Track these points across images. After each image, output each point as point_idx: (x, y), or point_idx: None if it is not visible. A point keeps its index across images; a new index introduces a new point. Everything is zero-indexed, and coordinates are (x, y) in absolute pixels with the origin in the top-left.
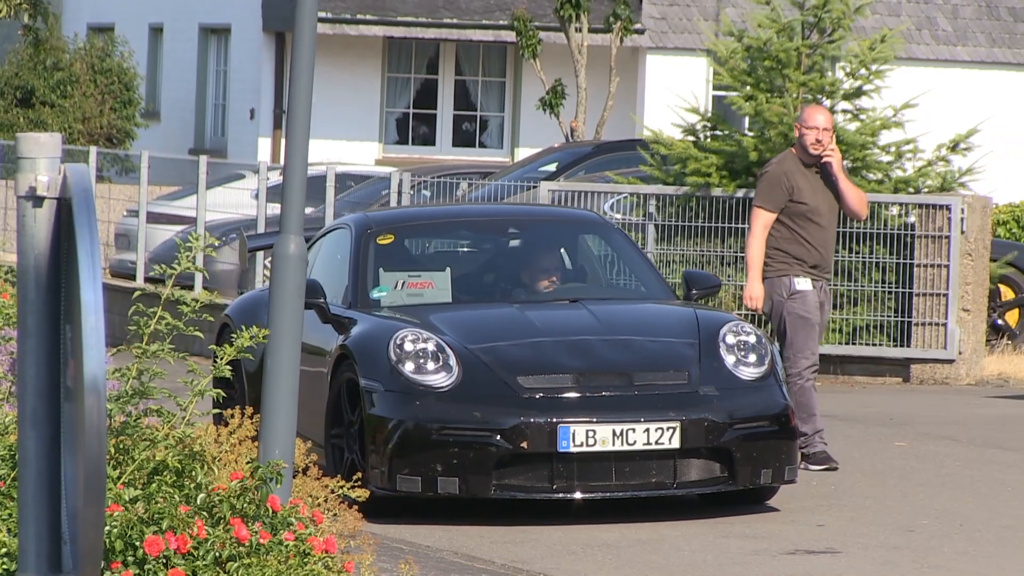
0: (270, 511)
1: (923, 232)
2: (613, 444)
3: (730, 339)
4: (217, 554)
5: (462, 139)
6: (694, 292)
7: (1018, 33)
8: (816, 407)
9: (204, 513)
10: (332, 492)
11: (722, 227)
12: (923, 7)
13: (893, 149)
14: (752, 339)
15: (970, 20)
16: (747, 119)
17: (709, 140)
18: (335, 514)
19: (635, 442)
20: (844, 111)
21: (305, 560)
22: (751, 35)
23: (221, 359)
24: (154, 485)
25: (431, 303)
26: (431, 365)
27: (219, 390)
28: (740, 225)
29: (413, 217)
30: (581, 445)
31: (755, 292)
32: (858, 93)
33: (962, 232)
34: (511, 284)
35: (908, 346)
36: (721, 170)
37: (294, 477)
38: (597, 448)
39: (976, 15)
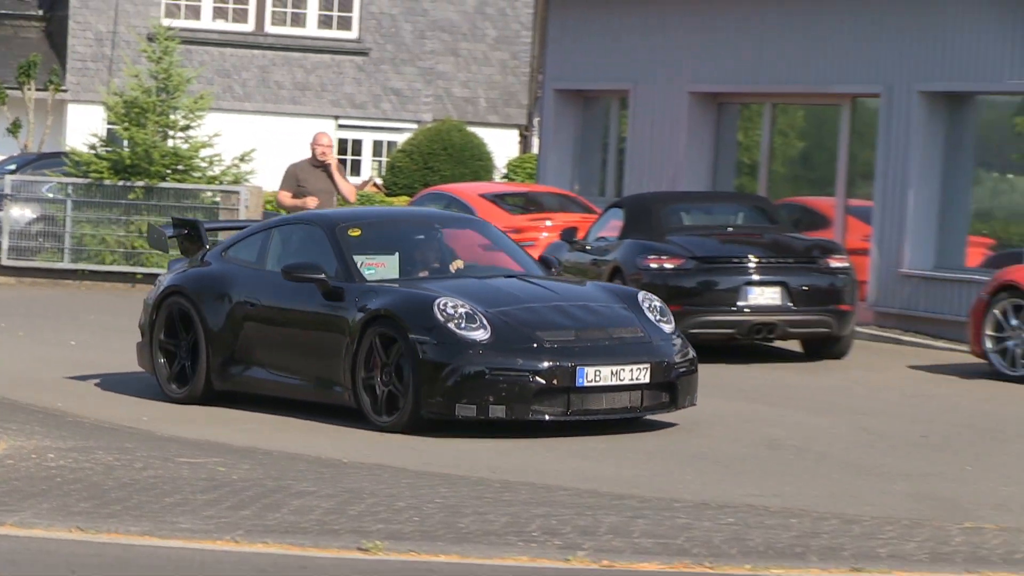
0: None
1: (225, 206)
2: (610, 380)
3: (646, 304)
4: None
5: None
6: (553, 270)
7: (280, 93)
8: None
9: None
10: None
11: (109, 202)
12: (228, 79)
13: (208, 159)
14: (659, 303)
15: (252, 87)
16: (125, 142)
17: (104, 152)
18: None
19: (624, 379)
20: (179, 138)
21: None
22: (128, 94)
23: None
24: None
25: (397, 278)
26: (469, 324)
27: None
28: (120, 201)
29: (366, 216)
30: (591, 381)
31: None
32: (187, 128)
33: (246, 207)
34: (441, 263)
35: None
36: (110, 170)
37: None
38: (600, 383)
39: (257, 85)
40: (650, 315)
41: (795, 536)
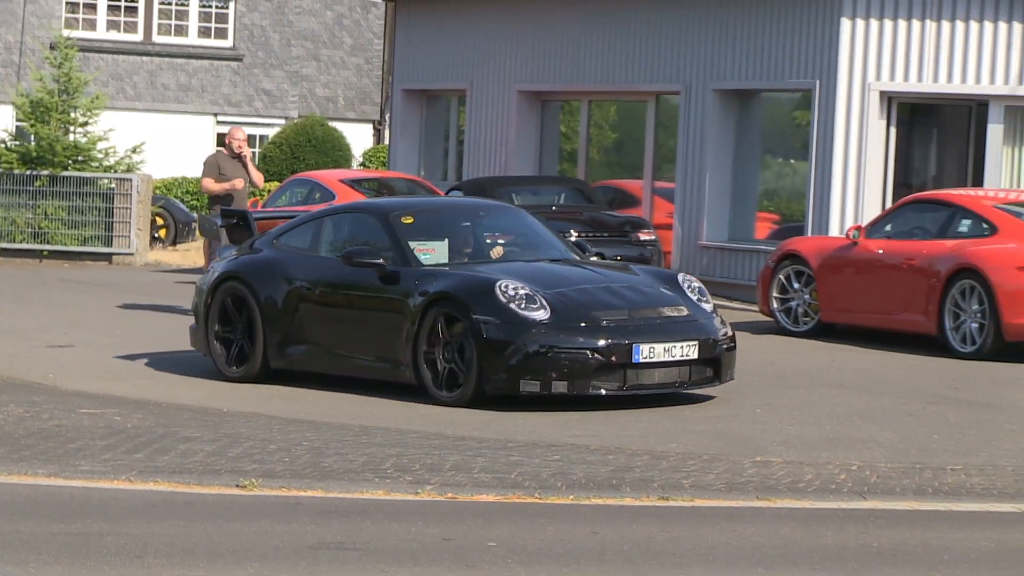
0: None
1: (120, 191)
2: (663, 356)
3: (687, 284)
4: None
5: None
6: (587, 254)
7: (166, 94)
8: None
9: None
10: None
11: (18, 189)
12: (120, 82)
13: (104, 151)
14: (697, 283)
15: (142, 89)
16: (32, 136)
17: (13, 146)
18: None
19: (675, 355)
20: (79, 133)
21: None
22: (33, 95)
23: None
24: None
25: (447, 262)
26: (530, 304)
27: None
28: (28, 188)
29: (417, 205)
30: (646, 358)
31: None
32: (86, 124)
33: (138, 192)
34: (485, 248)
35: (111, 246)
36: (19, 160)
37: None
38: (654, 359)
39: (146, 87)
40: (691, 295)
41: (612, 470)
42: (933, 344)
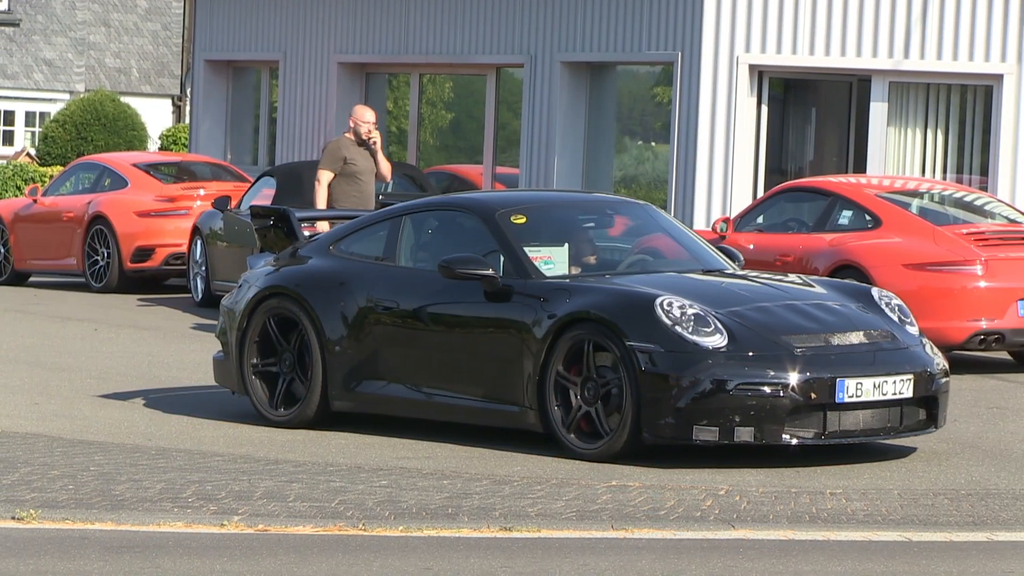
0: None
1: None
2: (872, 395)
3: (884, 302)
4: None
5: None
6: (736, 263)
7: None
8: None
9: None
10: None
11: None
12: None
13: None
14: (897, 301)
15: None
16: None
17: None
18: None
19: (887, 393)
20: None
21: None
22: None
23: None
24: None
25: (568, 274)
26: (701, 327)
27: None
28: None
29: (528, 200)
30: (852, 396)
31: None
32: None
33: None
34: (615, 256)
35: None
36: None
37: None
38: (862, 399)
39: None
40: (891, 315)
41: (447, 497)
42: None
